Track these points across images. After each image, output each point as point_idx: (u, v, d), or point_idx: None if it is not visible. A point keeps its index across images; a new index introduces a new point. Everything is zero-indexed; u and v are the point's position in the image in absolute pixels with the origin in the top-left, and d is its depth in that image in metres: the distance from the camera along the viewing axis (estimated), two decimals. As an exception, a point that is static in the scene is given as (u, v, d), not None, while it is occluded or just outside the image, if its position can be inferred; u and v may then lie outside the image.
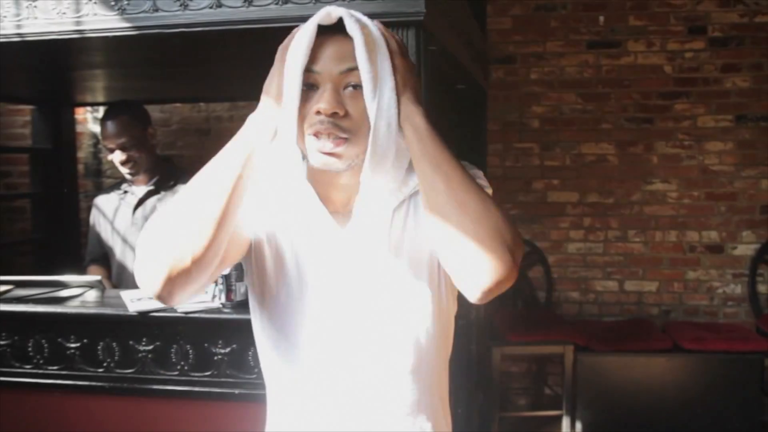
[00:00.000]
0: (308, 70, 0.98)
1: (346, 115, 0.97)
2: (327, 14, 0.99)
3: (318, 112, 0.97)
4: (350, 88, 0.98)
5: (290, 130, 0.99)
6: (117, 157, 2.44)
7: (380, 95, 0.97)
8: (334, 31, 0.99)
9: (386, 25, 1.63)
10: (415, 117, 0.98)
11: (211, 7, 1.69)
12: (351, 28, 0.97)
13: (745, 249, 3.59)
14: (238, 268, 1.81)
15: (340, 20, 0.99)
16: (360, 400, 1.05)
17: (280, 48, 1.04)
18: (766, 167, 3.55)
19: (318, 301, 1.06)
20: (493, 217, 0.91)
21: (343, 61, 0.98)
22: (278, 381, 1.12)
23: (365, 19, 1.01)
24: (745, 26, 3.50)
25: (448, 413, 1.16)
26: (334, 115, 0.96)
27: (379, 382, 1.05)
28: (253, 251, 1.09)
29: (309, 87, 0.99)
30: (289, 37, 1.03)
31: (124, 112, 2.46)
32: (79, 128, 3.77)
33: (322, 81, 0.98)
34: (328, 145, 0.97)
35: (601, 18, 3.59)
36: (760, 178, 3.56)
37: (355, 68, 0.97)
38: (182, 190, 1.02)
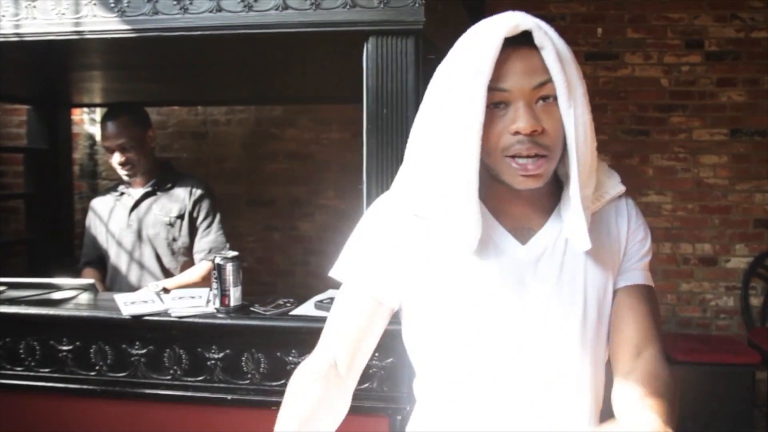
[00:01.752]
0: (494, 89, 0.91)
1: (543, 131, 0.93)
2: (515, 26, 0.91)
3: (517, 132, 0.91)
4: (541, 102, 0.93)
5: (471, 155, 0.92)
6: (116, 158, 2.43)
7: (575, 104, 0.94)
8: (517, 43, 0.92)
9: (385, 33, 1.65)
10: None
11: (211, 12, 1.69)
12: (541, 38, 0.92)
13: (738, 262, 3.61)
14: (235, 273, 1.80)
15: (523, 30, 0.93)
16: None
17: (443, 64, 0.98)
18: (759, 181, 3.57)
19: (496, 321, 1.00)
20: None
21: (535, 76, 0.92)
22: (436, 389, 1.07)
23: (546, 26, 0.95)
24: (741, 41, 3.53)
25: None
26: (533, 133, 0.91)
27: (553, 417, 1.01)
28: (409, 300, 1.05)
29: (495, 106, 0.93)
30: (457, 52, 0.96)
31: (124, 113, 2.46)
32: (75, 129, 3.76)
33: (513, 99, 0.92)
34: (530, 166, 0.92)
35: (599, 30, 3.60)
36: (753, 192, 3.58)
37: (547, 81, 0.92)
38: None
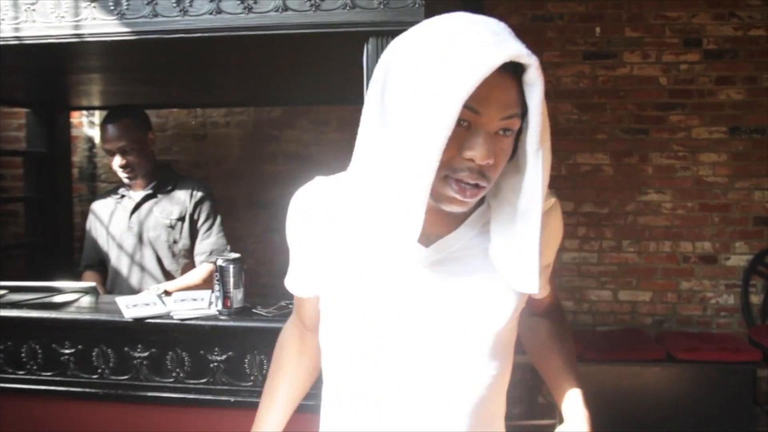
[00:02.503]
0: (466, 106, 0.85)
1: (493, 164, 0.90)
2: (519, 55, 0.86)
3: (470, 159, 0.88)
4: (501, 132, 0.90)
5: (430, 167, 0.86)
6: (116, 161, 2.43)
7: (543, 149, 0.92)
8: (504, 69, 0.87)
9: (385, 34, 1.64)
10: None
11: (210, 13, 1.69)
12: (535, 78, 0.88)
13: (738, 260, 3.61)
14: (237, 275, 1.80)
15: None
16: (420, 415, 1.01)
17: (421, 50, 0.88)
18: (759, 179, 3.57)
19: (394, 320, 1.00)
20: None
21: (508, 108, 0.89)
22: (340, 385, 1.08)
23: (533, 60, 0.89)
24: (739, 39, 3.53)
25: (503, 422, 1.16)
26: (485, 164, 0.89)
27: (441, 385, 1.01)
28: (325, 291, 1.07)
29: (459, 121, 0.87)
30: (441, 46, 0.86)
31: (125, 116, 2.45)
32: (74, 132, 3.75)
33: (479, 124, 0.88)
34: (468, 192, 0.90)
35: (598, 29, 3.61)
36: (753, 190, 3.58)
37: (515, 115, 0.89)
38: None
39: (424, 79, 0.86)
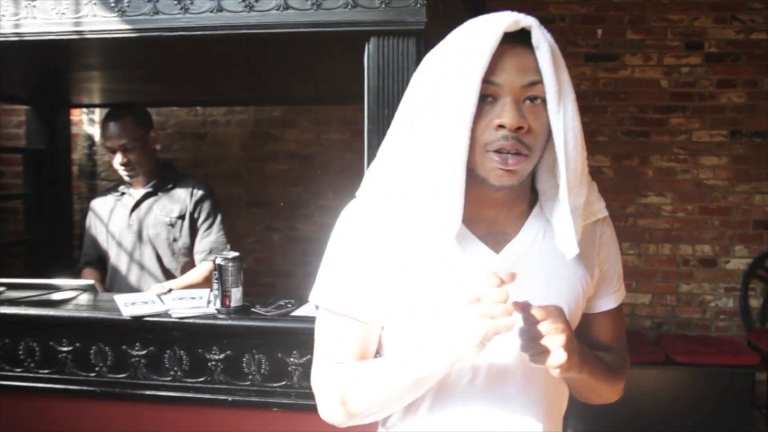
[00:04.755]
0: (485, 81, 0.90)
1: (529, 130, 0.92)
2: (515, 22, 0.92)
3: (501, 126, 0.91)
4: (528, 102, 0.93)
5: (461, 146, 0.91)
6: (117, 158, 2.42)
7: (564, 109, 0.93)
8: (513, 40, 0.92)
9: (387, 33, 1.64)
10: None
11: (212, 11, 1.69)
12: (539, 38, 0.92)
13: (738, 263, 3.61)
14: (236, 274, 1.80)
15: (521, 29, 0.93)
16: (496, 392, 1.02)
17: (434, 54, 0.98)
18: (759, 182, 3.57)
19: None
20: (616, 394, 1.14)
21: (527, 74, 0.92)
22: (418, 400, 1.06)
23: (543, 28, 0.95)
24: (741, 42, 3.53)
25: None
26: (518, 130, 0.91)
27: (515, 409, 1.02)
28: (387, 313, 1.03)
29: (483, 98, 0.92)
30: (451, 44, 0.96)
31: (127, 114, 2.45)
32: (74, 130, 3.76)
33: (501, 93, 0.92)
34: (510, 160, 0.91)
35: (599, 31, 3.60)
36: (753, 193, 3.58)
37: (538, 82, 0.92)
38: (362, 376, 1.01)
39: (445, 68, 0.94)
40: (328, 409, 1.05)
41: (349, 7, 1.62)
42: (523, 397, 1.02)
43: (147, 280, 2.43)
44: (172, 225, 2.46)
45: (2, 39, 1.78)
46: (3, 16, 1.77)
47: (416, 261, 0.99)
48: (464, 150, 0.91)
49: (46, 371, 1.83)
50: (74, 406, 1.82)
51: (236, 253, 1.83)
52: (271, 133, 3.85)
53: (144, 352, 1.78)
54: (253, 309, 1.81)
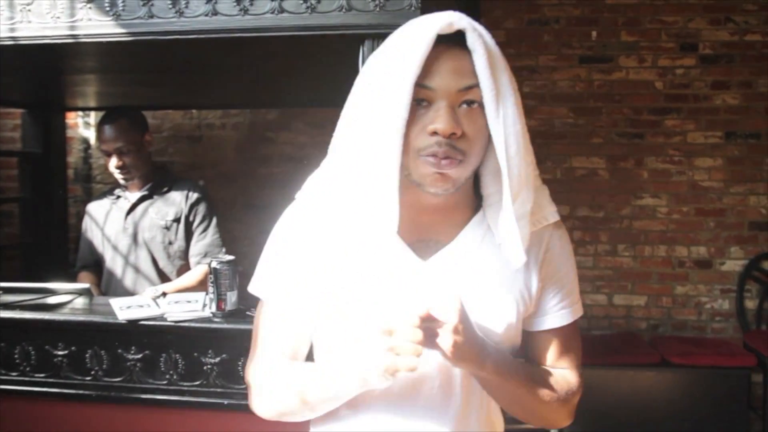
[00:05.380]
0: (419, 85, 0.89)
1: (463, 135, 0.90)
2: (448, 24, 0.89)
3: (434, 133, 0.89)
4: (465, 106, 0.91)
5: (393, 151, 0.89)
6: (113, 162, 2.42)
7: (504, 113, 0.91)
8: (448, 42, 0.90)
9: (381, 36, 1.64)
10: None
11: (206, 15, 1.69)
12: (473, 41, 0.89)
13: (733, 265, 3.62)
14: (231, 277, 1.80)
15: (456, 31, 0.90)
16: (413, 400, 1.00)
17: (374, 57, 0.96)
18: (754, 184, 3.58)
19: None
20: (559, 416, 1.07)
21: (462, 78, 0.90)
22: None
23: (481, 29, 0.92)
24: (735, 44, 3.54)
25: (500, 416, 1.13)
26: (451, 135, 0.89)
27: (435, 383, 1.01)
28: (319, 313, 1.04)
29: (417, 102, 0.90)
30: (389, 46, 0.95)
31: (122, 117, 2.45)
32: (69, 133, 3.75)
33: (436, 98, 0.90)
34: (443, 162, 0.89)
35: (594, 33, 3.62)
36: (748, 195, 3.59)
37: (474, 85, 0.90)
38: (291, 374, 1.03)
39: (380, 72, 0.93)
40: (258, 403, 1.07)
41: (344, 10, 1.62)
42: (440, 405, 1.00)
43: (142, 283, 2.43)
44: (168, 228, 2.46)
45: (-3, 43, 1.78)
46: (-2, 20, 1.77)
47: (346, 265, 0.99)
48: (397, 156, 0.90)
49: (41, 375, 1.83)
50: (70, 409, 1.82)
51: (231, 257, 1.83)
52: (266, 136, 3.85)
53: (139, 356, 1.78)
54: (248, 312, 1.81)
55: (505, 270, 1.00)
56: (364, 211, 0.95)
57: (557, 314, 1.07)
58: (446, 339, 0.88)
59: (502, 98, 0.91)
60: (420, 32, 0.89)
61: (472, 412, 1.03)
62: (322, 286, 1.01)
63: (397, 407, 1.00)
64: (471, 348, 0.90)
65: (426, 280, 0.99)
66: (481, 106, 0.91)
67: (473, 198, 1.04)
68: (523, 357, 1.10)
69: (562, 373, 1.09)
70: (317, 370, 1.01)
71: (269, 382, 1.04)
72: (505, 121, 0.91)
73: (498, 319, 1.01)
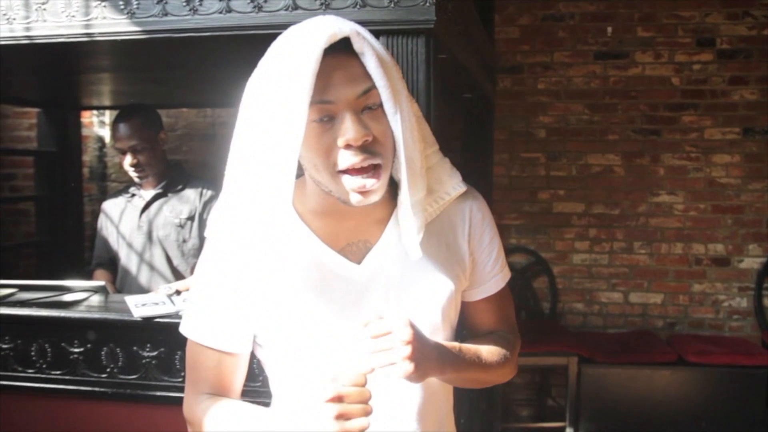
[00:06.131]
0: (317, 102, 0.88)
1: (374, 139, 0.90)
2: (333, 35, 0.87)
3: (348, 145, 0.89)
4: (368, 110, 0.91)
5: (288, 176, 0.89)
6: (127, 160, 2.43)
7: (400, 108, 0.92)
8: (334, 52, 0.89)
9: (396, 33, 1.63)
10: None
11: (220, 12, 1.69)
12: (360, 45, 0.89)
13: (752, 262, 3.58)
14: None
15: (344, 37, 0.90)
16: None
17: (259, 73, 0.95)
18: (772, 180, 3.54)
19: (336, 349, 1.01)
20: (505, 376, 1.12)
21: (359, 84, 0.90)
22: (287, 392, 1.09)
23: (363, 30, 0.92)
24: (753, 39, 3.50)
25: (452, 420, 1.15)
26: (364, 143, 0.89)
27: (387, 386, 1.02)
28: (260, 333, 1.05)
29: (320, 120, 0.90)
30: (274, 67, 0.92)
31: (137, 115, 2.46)
32: (84, 132, 3.77)
33: (338, 110, 0.89)
34: (368, 184, 0.90)
35: (609, 29, 3.58)
36: (766, 192, 3.54)
37: (371, 88, 0.90)
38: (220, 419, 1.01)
39: (270, 94, 0.90)
40: None
41: (358, 6, 1.61)
42: (396, 398, 1.02)
43: (157, 280, 2.44)
44: (182, 226, 2.46)
45: (13, 42, 1.79)
46: (14, 19, 1.78)
47: (279, 284, 0.99)
48: (291, 179, 0.89)
49: (57, 372, 1.83)
50: (86, 407, 1.83)
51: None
52: (280, 134, 3.85)
53: (155, 353, 1.78)
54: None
55: (436, 254, 1.02)
56: (273, 236, 0.95)
57: (491, 282, 1.11)
58: (404, 365, 0.88)
59: (397, 95, 0.92)
60: (306, 49, 0.87)
61: (432, 410, 1.06)
62: (259, 314, 1.01)
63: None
64: (430, 362, 0.92)
65: (363, 284, 1.00)
66: (381, 106, 0.92)
67: (389, 191, 1.03)
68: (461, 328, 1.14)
69: (505, 336, 1.14)
70: (262, 420, 0.98)
71: (208, 423, 1.04)
72: (402, 116, 0.92)
73: (437, 303, 1.03)
